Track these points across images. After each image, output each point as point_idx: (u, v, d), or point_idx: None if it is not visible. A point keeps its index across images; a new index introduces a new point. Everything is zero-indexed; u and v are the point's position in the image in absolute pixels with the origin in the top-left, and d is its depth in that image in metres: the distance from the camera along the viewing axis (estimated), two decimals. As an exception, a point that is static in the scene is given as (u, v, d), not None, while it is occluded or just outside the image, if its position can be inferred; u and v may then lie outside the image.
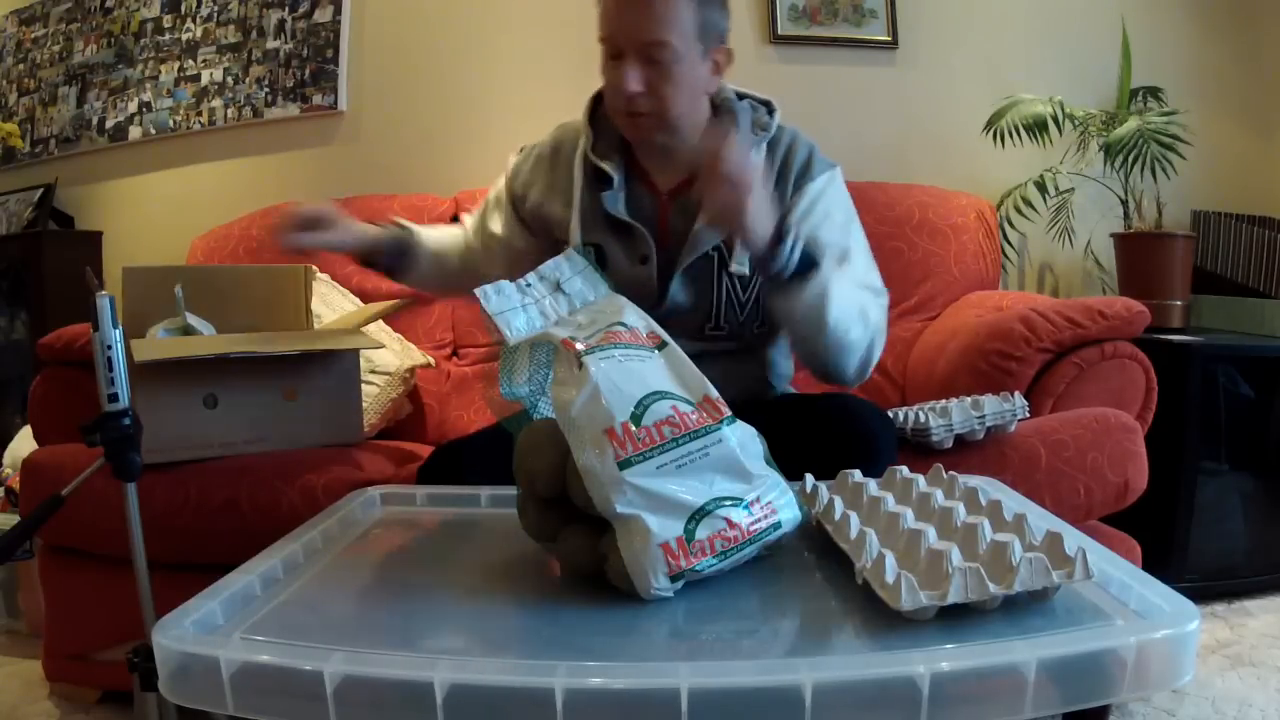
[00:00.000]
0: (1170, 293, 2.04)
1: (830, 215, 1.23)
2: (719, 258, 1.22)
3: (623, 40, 1.14)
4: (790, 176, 1.24)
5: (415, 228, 1.36)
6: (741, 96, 1.28)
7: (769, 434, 0.80)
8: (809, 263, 1.10)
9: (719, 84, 1.24)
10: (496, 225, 1.35)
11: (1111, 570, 0.65)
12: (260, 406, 1.43)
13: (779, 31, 2.34)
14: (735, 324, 1.25)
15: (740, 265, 1.21)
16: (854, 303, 1.14)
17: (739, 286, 1.23)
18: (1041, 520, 0.76)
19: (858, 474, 0.90)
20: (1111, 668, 0.53)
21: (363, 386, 1.59)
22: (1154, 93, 2.27)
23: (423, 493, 1.02)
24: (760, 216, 1.04)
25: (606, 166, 1.23)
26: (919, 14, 2.36)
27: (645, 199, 1.25)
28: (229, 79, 2.51)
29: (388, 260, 1.32)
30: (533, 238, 1.33)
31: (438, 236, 1.39)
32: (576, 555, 0.73)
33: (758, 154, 1.24)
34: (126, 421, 0.90)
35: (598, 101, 1.29)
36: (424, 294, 1.76)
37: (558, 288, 0.85)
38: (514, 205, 1.34)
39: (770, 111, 1.27)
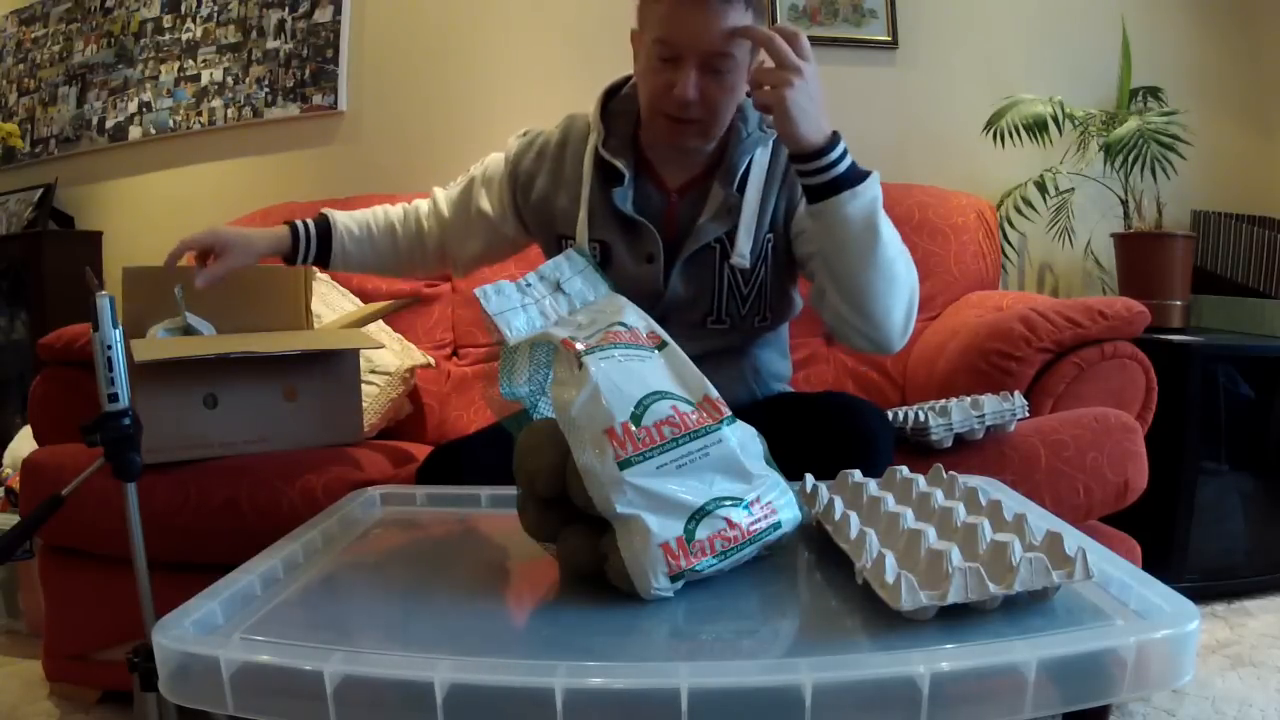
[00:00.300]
0: (1170, 293, 2.04)
1: None
2: (721, 250, 1.22)
3: (686, 47, 1.11)
4: (794, 174, 1.24)
5: (335, 215, 1.36)
6: (748, 94, 1.28)
7: (767, 433, 0.80)
8: (858, 176, 1.07)
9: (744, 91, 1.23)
10: (486, 204, 1.33)
11: (1111, 570, 0.65)
12: (260, 406, 1.43)
13: (779, 31, 2.34)
14: (737, 317, 1.25)
15: (741, 259, 1.20)
16: (898, 236, 1.11)
17: (740, 280, 1.24)
18: (1041, 520, 0.76)
19: (858, 474, 0.90)
20: (1111, 668, 0.53)
21: (363, 386, 1.59)
22: (1154, 93, 2.27)
23: (423, 493, 1.02)
24: (806, 105, 1.02)
25: (619, 163, 1.22)
26: (919, 14, 2.36)
27: (654, 196, 1.25)
28: (229, 79, 2.51)
29: (315, 254, 1.33)
30: (522, 226, 1.33)
31: (364, 219, 1.38)
32: (576, 555, 0.73)
33: (764, 152, 1.24)
34: (126, 421, 0.90)
35: (609, 97, 1.28)
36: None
37: (558, 288, 0.85)
38: (513, 191, 1.32)
39: None
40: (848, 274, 1.10)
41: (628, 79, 1.30)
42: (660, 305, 1.22)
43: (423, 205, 1.40)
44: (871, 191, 1.06)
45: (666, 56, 1.13)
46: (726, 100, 1.16)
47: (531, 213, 1.31)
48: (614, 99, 1.29)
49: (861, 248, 1.07)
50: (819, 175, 1.05)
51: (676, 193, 1.26)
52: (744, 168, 1.22)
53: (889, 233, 1.08)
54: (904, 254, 1.11)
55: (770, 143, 1.25)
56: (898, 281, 1.09)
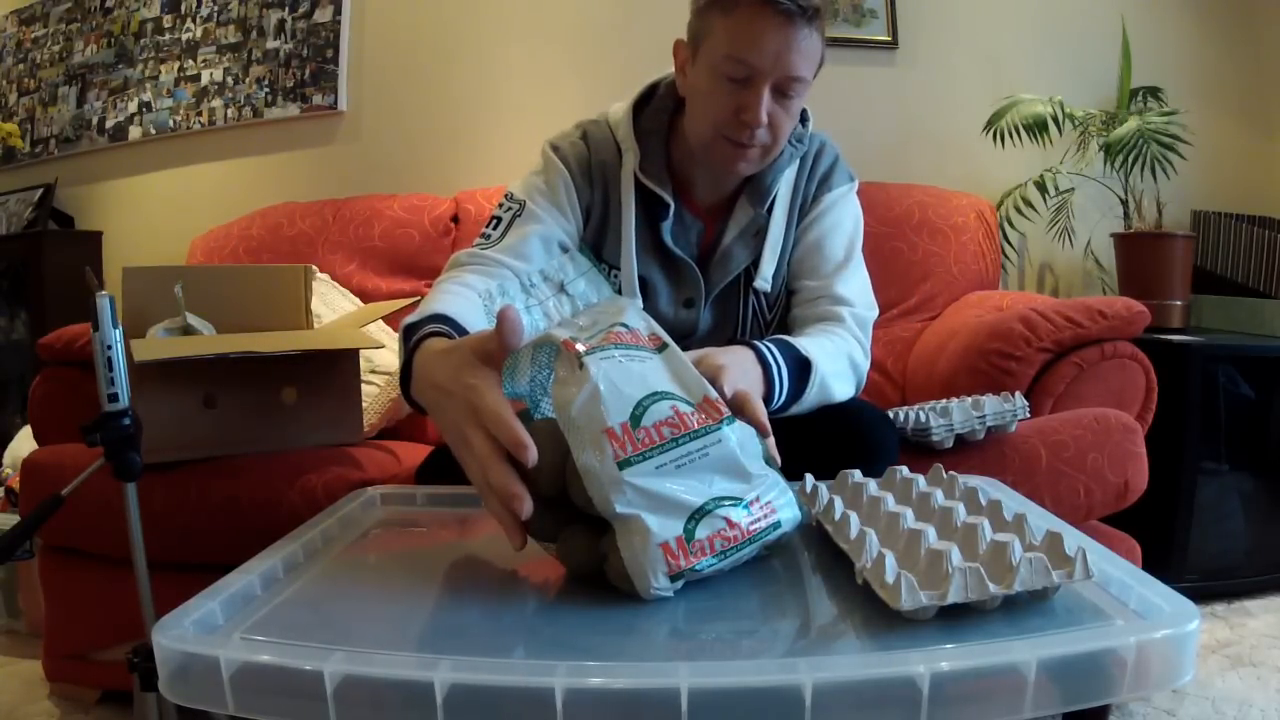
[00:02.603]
0: (1170, 293, 2.04)
1: (839, 226, 1.22)
2: (746, 276, 1.19)
3: (766, 68, 1.04)
4: (814, 183, 1.22)
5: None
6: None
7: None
8: (796, 382, 1.04)
9: None
10: (549, 222, 1.12)
11: (1111, 570, 0.65)
12: (260, 406, 1.43)
13: (779, 31, 2.34)
14: None
15: (763, 282, 1.18)
16: (843, 362, 1.12)
17: (764, 305, 1.22)
18: (1041, 520, 0.76)
19: (858, 474, 0.89)
20: (1111, 668, 0.53)
21: (363, 386, 1.59)
22: (1154, 93, 2.28)
23: (423, 493, 1.01)
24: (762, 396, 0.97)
25: (663, 193, 1.15)
26: (919, 14, 2.36)
27: (690, 225, 1.19)
28: (229, 79, 2.51)
29: None
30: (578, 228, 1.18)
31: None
32: (576, 555, 0.73)
33: (792, 171, 1.20)
34: (126, 421, 0.90)
35: (638, 111, 1.20)
36: None
37: (561, 289, 0.85)
38: (576, 194, 1.16)
39: (804, 120, 1.23)
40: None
41: (653, 88, 1.21)
42: (686, 343, 1.13)
43: (494, 279, 1.05)
44: (815, 389, 1.05)
45: (738, 76, 1.05)
46: (788, 126, 1.11)
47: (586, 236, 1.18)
48: (645, 113, 1.19)
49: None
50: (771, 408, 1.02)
51: (707, 213, 1.21)
52: (775, 189, 1.19)
53: (837, 391, 1.09)
54: (853, 367, 1.13)
55: (798, 160, 1.21)
56: (843, 396, 1.12)
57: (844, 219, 1.23)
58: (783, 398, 1.02)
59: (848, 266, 1.21)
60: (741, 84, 1.05)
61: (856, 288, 1.21)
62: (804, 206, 1.22)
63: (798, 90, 1.07)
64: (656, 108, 1.19)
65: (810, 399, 1.06)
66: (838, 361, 1.11)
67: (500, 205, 1.15)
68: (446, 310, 0.92)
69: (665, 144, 1.18)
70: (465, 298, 0.99)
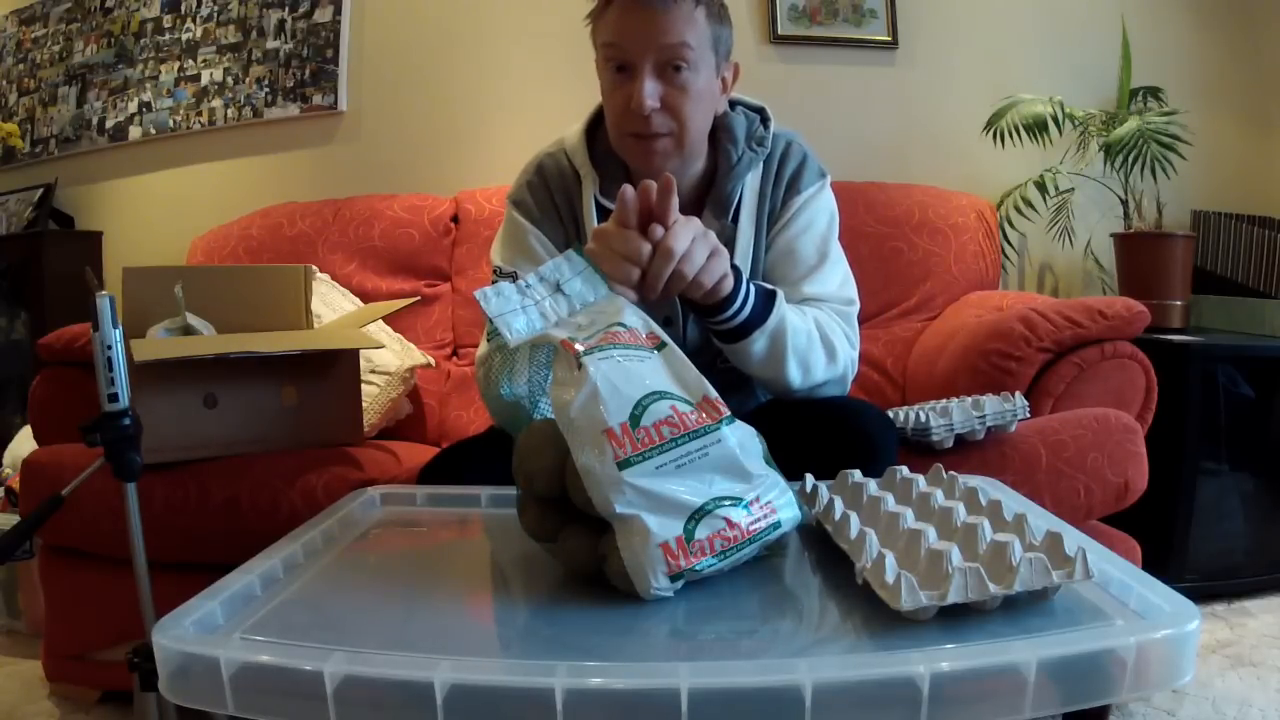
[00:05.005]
0: (1170, 293, 2.04)
1: (811, 227, 1.20)
2: None
3: (636, 49, 1.05)
4: (781, 187, 1.20)
5: None
6: (733, 104, 1.22)
7: (769, 435, 0.80)
8: (763, 305, 1.05)
9: (724, 103, 1.18)
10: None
11: (1111, 570, 0.65)
12: (260, 406, 1.43)
13: (779, 31, 2.34)
14: None
15: None
16: (809, 324, 1.11)
17: None
18: (1041, 520, 0.76)
19: (858, 474, 0.89)
20: (1111, 668, 0.53)
21: (363, 386, 1.59)
22: (1154, 93, 2.27)
23: (423, 493, 1.01)
24: (714, 266, 0.95)
25: None
26: (919, 14, 2.36)
27: None
28: (229, 79, 2.51)
29: None
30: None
31: None
32: (576, 555, 0.73)
33: (755, 176, 1.19)
34: (126, 421, 0.90)
35: (591, 135, 1.20)
36: None
37: (558, 289, 0.84)
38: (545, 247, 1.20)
39: (764, 121, 1.22)
40: (758, 376, 1.12)
41: (603, 108, 1.20)
42: None
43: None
44: (776, 319, 1.05)
45: (619, 64, 1.07)
46: (693, 107, 1.08)
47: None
48: (597, 137, 1.20)
49: (772, 367, 1.08)
50: (730, 321, 1.03)
51: None
52: (737, 196, 1.17)
53: (796, 338, 1.07)
54: (814, 344, 1.10)
55: (760, 164, 1.20)
56: (807, 370, 1.10)
57: (816, 219, 1.20)
58: (748, 292, 1.03)
59: (822, 267, 1.19)
60: (626, 74, 1.07)
61: (833, 284, 1.19)
62: (773, 213, 1.20)
63: (689, 62, 1.05)
64: (607, 128, 1.18)
65: (770, 330, 1.05)
66: (804, 318, 1.10)
67: (494, 284, 1.15)
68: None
69: (622, 162, 1.17)
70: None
